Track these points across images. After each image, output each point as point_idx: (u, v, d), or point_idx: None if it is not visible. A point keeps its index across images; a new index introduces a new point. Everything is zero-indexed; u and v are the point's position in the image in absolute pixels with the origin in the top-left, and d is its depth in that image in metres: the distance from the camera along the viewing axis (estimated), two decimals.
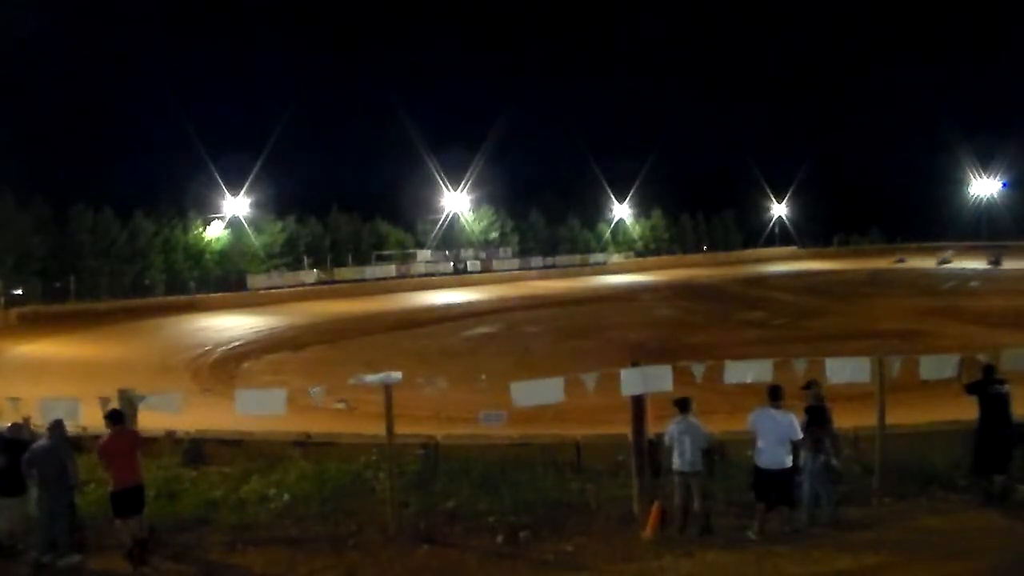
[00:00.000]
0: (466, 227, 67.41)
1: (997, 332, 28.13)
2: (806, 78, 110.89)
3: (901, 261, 68.56)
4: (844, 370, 9.38)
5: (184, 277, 50.12)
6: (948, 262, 64.62)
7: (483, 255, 65.40)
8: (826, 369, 9.36)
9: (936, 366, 9.58)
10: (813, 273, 64.81)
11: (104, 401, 8.98)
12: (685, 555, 7.78)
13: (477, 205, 68.51)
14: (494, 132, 65.17)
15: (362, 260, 60.13)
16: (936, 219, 77.03)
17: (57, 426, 8.51)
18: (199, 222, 54.04)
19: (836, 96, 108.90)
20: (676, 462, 8.42)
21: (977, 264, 60.32)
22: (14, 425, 8.97)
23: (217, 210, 55.25)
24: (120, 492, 8.15)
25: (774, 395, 8.30)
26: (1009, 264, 57.69)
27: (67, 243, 46.66)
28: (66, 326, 34.53)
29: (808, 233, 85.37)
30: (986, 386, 8.91)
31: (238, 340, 34.85)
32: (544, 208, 73.48)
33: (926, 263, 65.09)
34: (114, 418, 8.43)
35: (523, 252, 69.43)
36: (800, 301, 44.60)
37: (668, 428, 8.58)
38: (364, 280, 55.86)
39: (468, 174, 63.93)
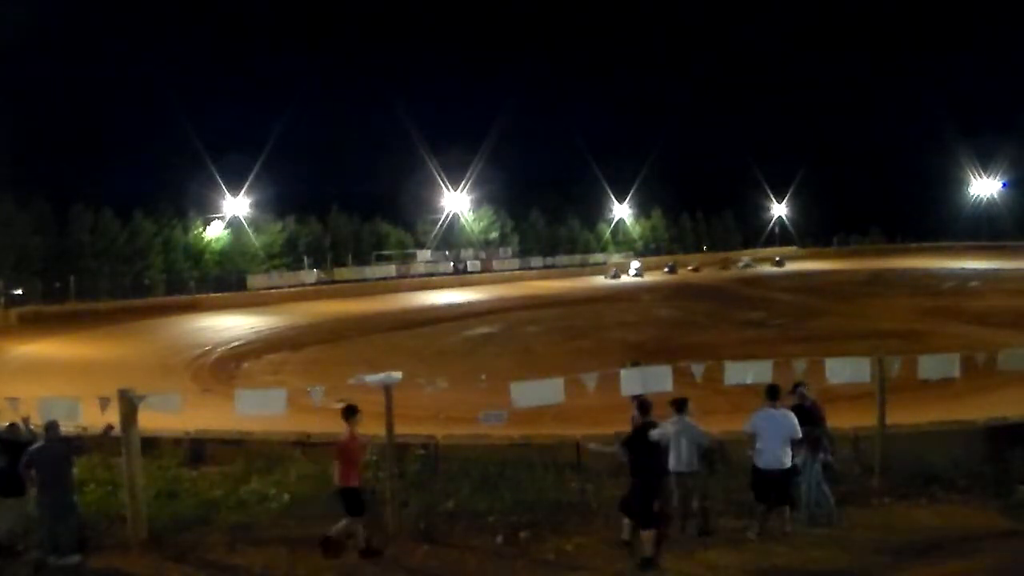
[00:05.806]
0: (466, 227, 67.43)
1: (997, 332, 28.12)
2: (806, 78, 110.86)
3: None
4: (844, 370, 9.39)
5: (184, 277, 50.13)
6: (750, 266, 69.51)
7: (483, 255, 65.39)
8: (826, 369, 9.37)
9: (936, 366, 9.59)
10: (813, 273, 64.79)
11: (104, 401, 8.96)
12: (685, 555, 7.78)
13: (477, 205, 68.54)
14: (494, 132, 65.19)
15: (362, 260, 60.19)
16: (936, 219, 77.10)
17: (51, 427, 8.50)
18: (199, 222, 54.10)
19: (836, 96, 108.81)
20: (672, 463, 8.40)
21: (769, 268, 67.77)
22: (12, 425, 8.97)
23: (217, 210, 55.32)
24: (338, 489, 8.29)
25: (772, 395, 8.29)
26: (1011, 264, 57.66)
27: (67, 243, 46.70)
28: (66, 326, 34.52)
29: (808, 233, 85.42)
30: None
31: (238, 340, 34.84)
32: (544, 208, 73.49)
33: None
34: (347, 414, 8.34)
35: (523, 252, 69.45)
36: (800, 301, 44.56)
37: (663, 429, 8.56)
38: (364, 280, 55.90)
39: (468, 174, 64.01)
